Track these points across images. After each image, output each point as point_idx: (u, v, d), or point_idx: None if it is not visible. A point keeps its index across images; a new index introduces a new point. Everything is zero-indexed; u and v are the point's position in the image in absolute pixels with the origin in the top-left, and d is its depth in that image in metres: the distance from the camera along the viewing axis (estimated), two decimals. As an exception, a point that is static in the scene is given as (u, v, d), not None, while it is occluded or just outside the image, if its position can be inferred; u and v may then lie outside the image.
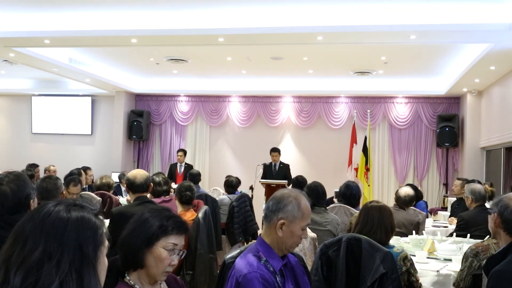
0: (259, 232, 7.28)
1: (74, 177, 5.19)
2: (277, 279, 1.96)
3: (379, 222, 2.89)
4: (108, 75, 9.52)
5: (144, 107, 11.08)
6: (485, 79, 8.19)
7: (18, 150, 11.63)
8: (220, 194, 7.20)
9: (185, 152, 9.38)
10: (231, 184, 6.82)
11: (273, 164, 8.61)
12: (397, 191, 4.97)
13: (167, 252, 1.80)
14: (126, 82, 10.26)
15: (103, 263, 1.15)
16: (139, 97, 11.22)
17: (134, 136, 10.74)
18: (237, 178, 7.23)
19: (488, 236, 3.06)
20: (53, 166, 8.49)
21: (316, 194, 4.47)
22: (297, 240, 2.05)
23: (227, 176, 7.12)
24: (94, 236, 1.12)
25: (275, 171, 8.52)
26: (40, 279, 1.03)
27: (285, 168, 8.59)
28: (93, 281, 1.09)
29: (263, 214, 7.25)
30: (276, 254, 2.02)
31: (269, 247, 2.02)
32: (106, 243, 1.16)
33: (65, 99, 11.42)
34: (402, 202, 4.77)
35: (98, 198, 5.64)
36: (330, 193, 6.94)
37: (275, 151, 8.67)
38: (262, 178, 8.28)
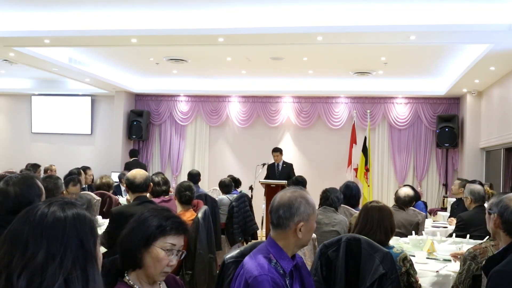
0: (259, 232, 7.29)
1: (73, 177, 5.19)
2: (286, 281, 1.96)
3: (379, 223, 2.89)
4: (108, 75, 9.52)
5: (144, 107, 11.08)
6: (485, 80, 8.19)
7: (18, 149, 11.62)
8: (219, 194, 7.20)
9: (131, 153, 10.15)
10: (224, 184, 6.82)
11: (276, 164, 8.60)
12: (397, 191, 4.95)
13: (164, 252, 1.79)
14: (126, 82, 10.26)
15: (100, 257, 1.16)
16: (139, 97, 11.22)
17: (134, 136, 10.74)
18: (232, 177, 7.22)
19: (487, 236, 3.06)
20: (54, 166, 8.49)
21: (334, 196, 4.50)
22: (312, 233, 2.11)
23: (229, 175, 7.15)
24: (92, 231, 1.13)
25: (278, 171, 8.51)
26: (45, 279, 1.03)
27: (288, 167, 8.58)
28: (96, 275, 1.10)
29: (262, 215, 7.25)
30: (287, 256, 2.01)
31: (281, 249, 2.01)
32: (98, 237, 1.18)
33: (65, 98, 11.42)
34: (402, 203, 4.76)
35: (98, 198, 5.64)
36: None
37: (276, 151, 8.66)
38: (265, 178, 8.27)
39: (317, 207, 4.20)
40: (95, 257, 1.13)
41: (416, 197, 5.79)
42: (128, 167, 9.44)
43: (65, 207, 1.13)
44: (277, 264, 1.96)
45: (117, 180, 7.96)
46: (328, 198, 4.46)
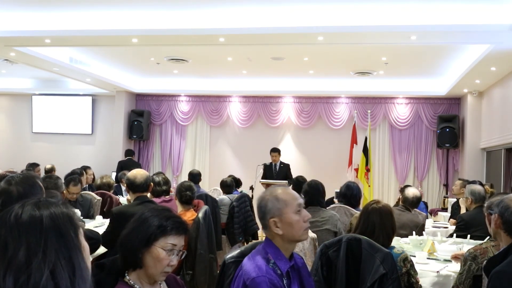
0: (259, 232, 7.28)
1: (74, 176, 5.19)
2: (284, 282, 1.96)
3: (381, 228, 2.85)
4: (108, 74, 9.53)
5: (144, 107, 11.09)
6: (485, 80, 8.19)
7: (19, 149, 11.63)
8: (220, 194, 7.21)
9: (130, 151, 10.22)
10: (226, 184, 6.83)
11: (273, 164, 8.60)
12: (404, 191, 4.83)
13: (165, 252, 1.79)
14: (126, 82, 10.26)
15: (86, 247, 1.16)
16: (139, 97, 11.22)
17: (135, 136, 10.75)
18: (233, 177, 7.20)
19: (488, 237, 3.06)
20: (54, 166, 8.50)
21: (317, 191, 4.40)
22: (302, 225, 2.04)
23: (230, 175, 7.14)
24: (71, 221, 1.12)
25: (276, 171, 8.51)
26: (31, 275, 1.03)
27: (285, 168, 8.58)
28: (82, 264, 1.10)
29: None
30: (283, 256, 2.01)
31: (277, 248, 2.02)
32: (81, 228, 1.17)
33: (66, 98, 11.43)
34: (410, 204, 4.71)
35: (99, 198, 5.65)
36: (330, 194, 6.93)
37: (275, 151, 8.66)
38: (262, 178, 8.27)
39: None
40: (78, 245, 1.11)
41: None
42: (121, 166, 9.47)
43: (39, 204, 1.13)
44: (274, 265, 1.97)
45: (115, 180, 7.96)
46: (312, 202, 4.35)
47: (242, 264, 2.00)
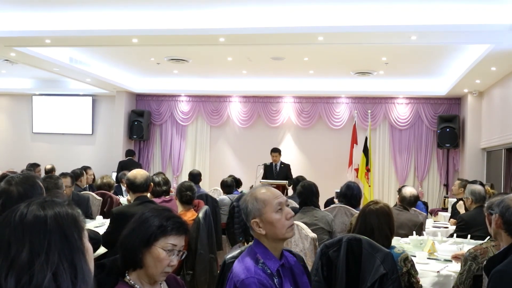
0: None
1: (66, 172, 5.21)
2: (275, 281, 1.96)
3: (378, 229, 2.85)
4: (108, 75, 9.53)
5: (144, 107, 11.09)
6: (486, 80, 8.19)
7: (19, 149, 11.63)
8: (220, 194, 7.21)
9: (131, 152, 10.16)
10: (226, 184, 6.83)
11: (273, 164, 8.59)
12: (401, 191, 4.85)
13: (165, 252, 1.79)
14: (126, 82, 10.27)
15: (89, 248, 1.15)
16: (139, 97, 11.22)
17: (135, 136, 10.75)
18: (233, 177, 7.20)
19: (488, 237, 3.06)
20: (54, 166, 8.49)
21: (310, 192, 4.40)
22: (284, 223, 2.01)
23: (230, 175, 7.14)
24: (76, 223, 1.12)
25: (276, 172, 8.49)
26: (34, 276, 1.02)
27: (286, 168, 8.57)
28: (85, 266, 1.09)
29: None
30: (272, 255, 2.02)
31: (265, 248, 2.03)
32: (85, 229, 1.16)
33: (66, 98, 11.43)
34: (407, 203, 4.71)
35: (99, 198, 5.65)
36: (330, 194, 6.95)
37: (275, 151, 8.64)
38: (262, 178, 8.26)
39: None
40: (81, 248, 1.11)
41: (417, 197, 5.76)
42: (121, 166, 9.49)
43: (45, 205, 1.12)
44: (264, 265, 1.98)
45: (115, 180, 7.95)
46: (306, 203, 4.37)
47: (233, 267, 2.01)
